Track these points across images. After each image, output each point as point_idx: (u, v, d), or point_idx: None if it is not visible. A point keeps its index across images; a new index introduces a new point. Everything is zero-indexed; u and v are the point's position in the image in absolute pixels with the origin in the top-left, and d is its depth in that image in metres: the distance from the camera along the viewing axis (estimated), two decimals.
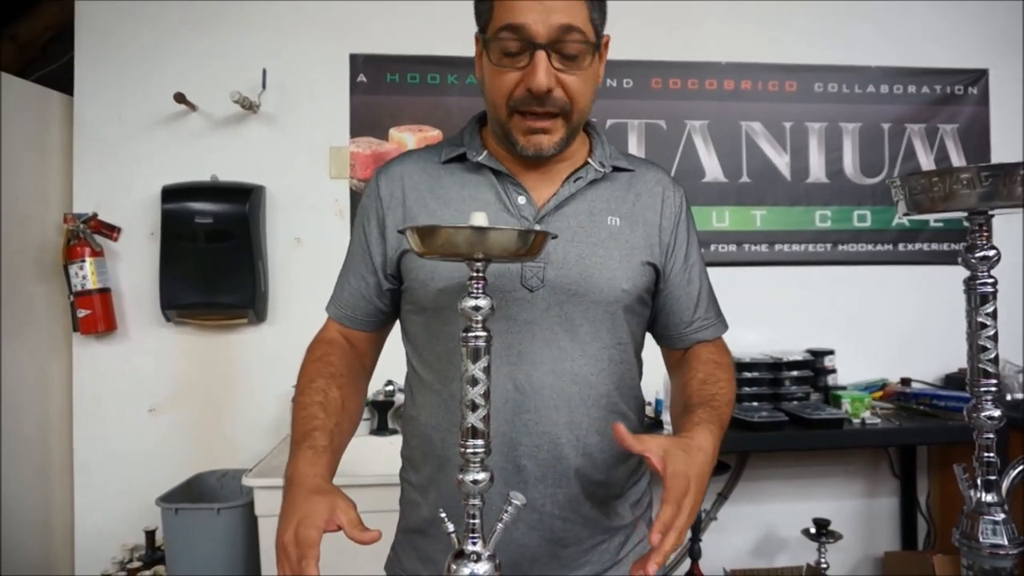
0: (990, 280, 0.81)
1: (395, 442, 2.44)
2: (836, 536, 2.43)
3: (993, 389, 0.81)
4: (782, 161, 2.87)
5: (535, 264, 0.99)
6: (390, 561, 1.14)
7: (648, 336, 1.18)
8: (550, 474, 1.00)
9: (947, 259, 2.91)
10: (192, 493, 2.33)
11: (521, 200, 1.03)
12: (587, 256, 1.02)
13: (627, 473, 1.09)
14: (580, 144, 1.08)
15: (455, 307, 0.88)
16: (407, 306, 1.09)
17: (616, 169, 1.09)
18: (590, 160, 1.07)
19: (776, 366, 2.61)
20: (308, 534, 0.82)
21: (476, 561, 0.75)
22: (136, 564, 2.31)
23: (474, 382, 0.76)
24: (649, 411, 2.57)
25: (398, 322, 1.16)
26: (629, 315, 1.06)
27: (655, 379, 2.50)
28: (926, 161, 2.95)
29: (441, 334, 1.02)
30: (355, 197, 2.64)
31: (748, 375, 2.58)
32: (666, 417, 2.40)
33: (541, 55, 0.93)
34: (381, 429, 2.48)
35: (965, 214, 0.81)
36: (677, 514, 0.79)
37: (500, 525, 0.77)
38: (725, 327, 1.16)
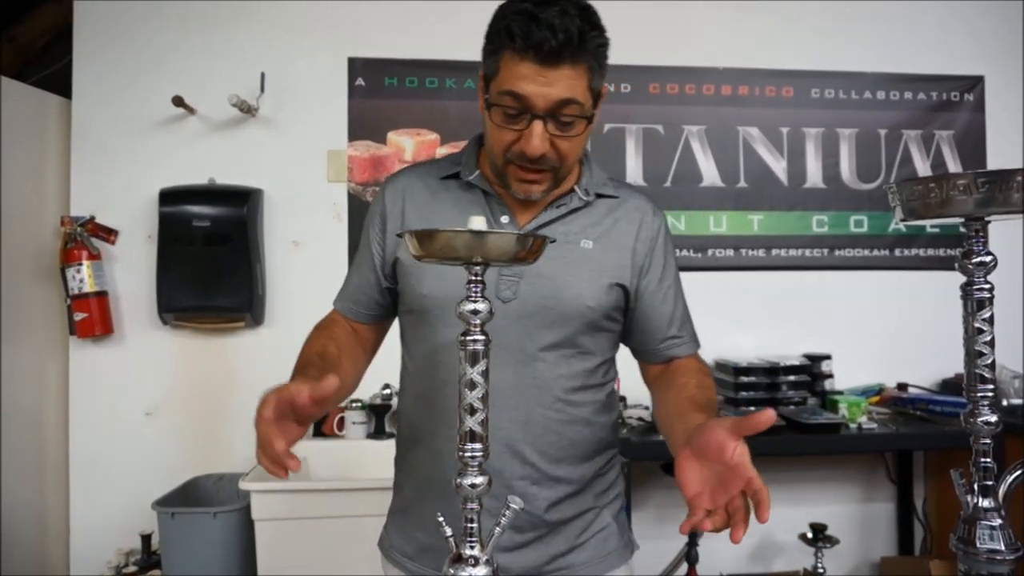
0: (987, 286, 0.82)
1: (392, 446, 2.44)
2: (833, 541, 2.43)
3: (990, 394, 0.81)
4: (779, 166, 2.88)
5: (511, 278, 1.08)
6: (382, 538, 1.24)
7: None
8: (507, 467, 1.09)
9: (943, 264, 2.92)
10: (188, 497, 2.32)
11: (504, 219, 1.13)
12: (559, 275, 1.09)
13: (592, 472, 1.16)
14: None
15: (435, 312, 1.09)
16: (400, 306, 1.19)
17: (600, 196, 1.16)
18: (576, 188, 1.15)
19: (773, 370, 2.61)
20: (266, 397, 0.89)
21: (474, 565, 0.75)
22: (132, 568, 2.31)
23: (472, 386, 0.76)
24: (647, 415, 2.57)
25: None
26: (594, 329, 1.13)
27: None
28: (922, 167, 2.96)
29: (424, 335, 1.13)
30: (353, 200, 2.65)
31: (745, 379, 2.58)
32: None
33: (538, 125, 1.00)
34: (379, 433, 2.47)
35: (962, 220, 0.82)
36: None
37: (498, 529, 0.77)
38: (698, 346, 1.23)
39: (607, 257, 1.13)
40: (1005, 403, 2.63)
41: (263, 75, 2.60)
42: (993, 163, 2.97)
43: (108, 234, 2.52)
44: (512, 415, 1.08)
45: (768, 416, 0.79)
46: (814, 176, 2.89)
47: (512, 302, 1.08)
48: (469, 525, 0.76)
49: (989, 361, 0.81)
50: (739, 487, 0.81)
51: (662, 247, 1.19)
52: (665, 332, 1.19)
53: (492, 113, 1.03)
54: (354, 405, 2.45)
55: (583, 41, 0.98)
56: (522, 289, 1.08)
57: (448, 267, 0.96)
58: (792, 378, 2.62)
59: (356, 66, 2.68)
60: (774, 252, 2.86)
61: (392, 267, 1.15)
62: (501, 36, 1.00)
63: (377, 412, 2.48)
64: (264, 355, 2.59)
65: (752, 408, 2.53)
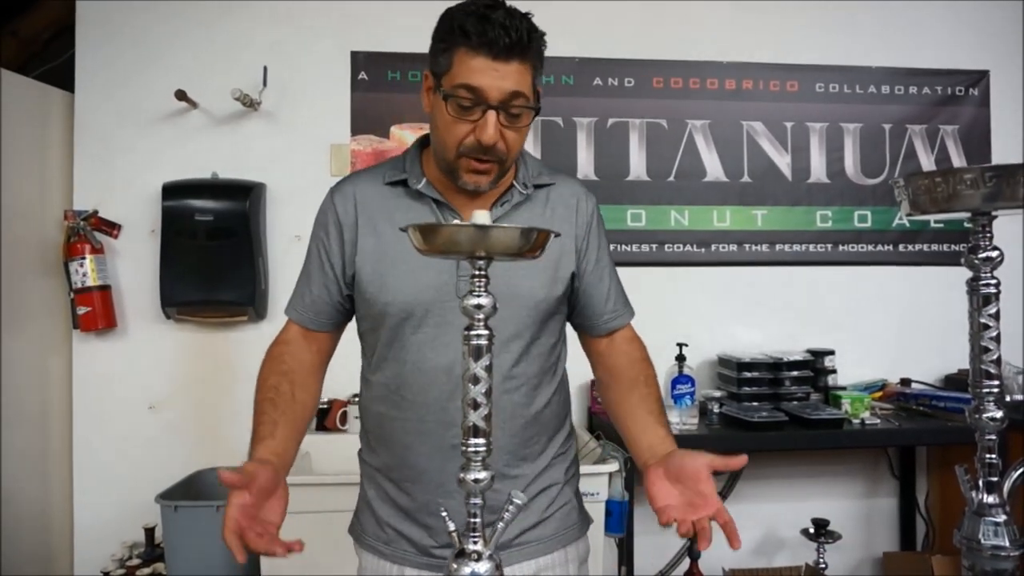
0: (993, 281, 0.81)
1: None
2: (835, 536, 2.43)
3: (996, 390, 0.81)
4: (783, 161, 2.87)
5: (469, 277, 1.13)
6: (353, 525, 1.30)
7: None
8: None
9: (947, 260, 2.91)
10: (192, 490, 2.33)
11: (455, 223, 1.20)
12: (511, 269, 1.13)
13: (553, 452, 1.24)
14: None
15: (398, 317, 1.15)
16: (359, 311, 1.25)
17: (537, 186, 1.23)
18: (515, 183, 1.21)
19: (776, 366, 2.61)
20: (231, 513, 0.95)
21: (477, 560, 0.75)
22: (135, 561, 2.31)
23: (476, 380, 0.76)
24: None
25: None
26: (547, 315, 1.20)
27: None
28: (927, 162, 2.95)
29: (386, 338, 1.19)
30: None
31: (748, 375, 2.58)
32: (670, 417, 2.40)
33: (492, 115, 1.07)
34: None
35: (968, 215, 0.81)
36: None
37: (501, 524, 0.77)
38: (632, 314, 1.32)
39: (553, 247, 1.20)
40: (1008, 399, 2.63)
41: (265, 69, 2.59)
42: (998, 158, 2.96)
43: (111, 228, 2.52)
44: None
45: (741, 460, 1.01)
46: (818, 171, 2.88)
47: None
48: (473, 520, 0.77)
49: (995, 357, 0.81)
50: (707, 513, 0.99)
51: (596, 228, 1.27)
52: (604, 307, 1.27)
53: (448, 105, 1.08)
54: (356, 400, 2.45)
55: (530, 41, 1.07)
56: None
57: (409, 273, 1.11)
58: (795, 373, 2.61)
59: (359, 60, 2.68)
60: (778, 247, 2.86)
61: (352, 276, 1.20)
62: (454, 34, 1.07)
63: None
64: (267, 349, 2.59)
65: (755, 403, 2.53)
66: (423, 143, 1.24)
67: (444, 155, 1.14)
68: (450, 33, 1.08)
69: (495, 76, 1.05)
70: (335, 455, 2.37)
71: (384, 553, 1.21)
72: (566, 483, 1.27)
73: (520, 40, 1.05)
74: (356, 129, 2.67)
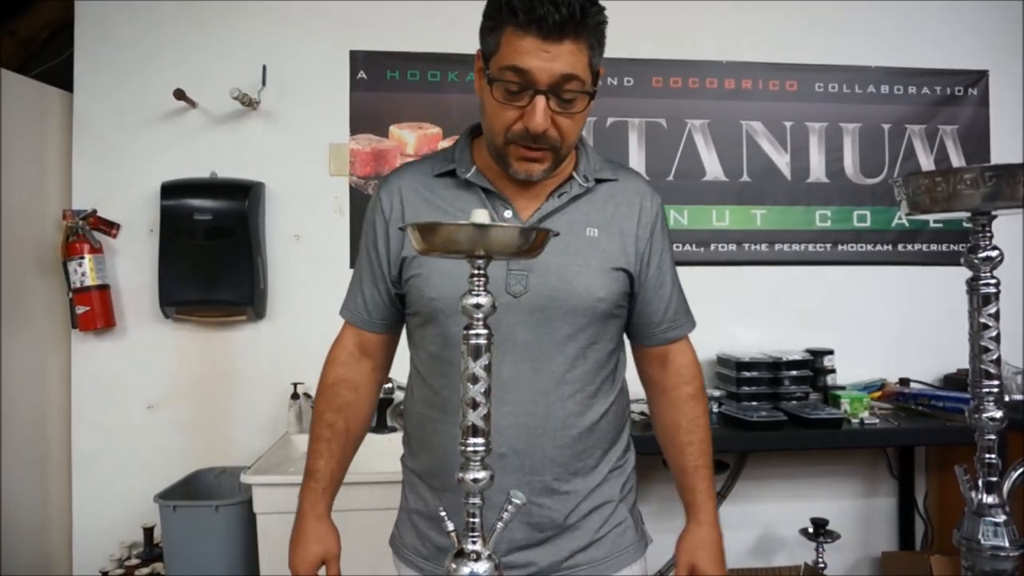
0: (993, 281, 0.81)
1: (394, 439, 2.43)
2: (834, 536, 2.43)
3: (995, 390, 0.81)
4: (782, 161, 2.87)
5: (520, 271, 1.07)
6: (393, 537, 1.24)
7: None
8: (527, 463, 1.09)
9: (946, 260, 2.91)
10: (190, 490, 2.33)
11: (507, 214, 1.11)
12: (566, 265, 1.08)
13: (609, 466, 1.17)
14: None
15: (445, 312, 1.08)
16: (407, 308, 1.18)
17: (599, 180, 1.16)
18: (575, 175, 1.14)
19: (775, 365, 2.61)
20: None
21: (476, 560, 0.75)
22: (134, 561, 2.31)
23: (475, 380, 0.75)
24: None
25: None
26: (605, 317, 1.13)
27: None
28: (926, 162, 2.95)
29: (432, 336, 1.12)
30: (355, 194, 2.64)
31: (747, 374, 2.58)
32: None
33: (541, 100, 0.99)
34: (380, 427, 2.47)
35: (968, 214, 0.81)
36: None
37: (500, 524, 0.77)
38: (692, 325, 1.26)
39: (612, 244, 1.14)
40: (1007, 399, 2.63)
41: (264, 68, 2.59)
42: (997, 158, 2.96)
43: (110, 227, 2.52)
44: (530, 410, 1.08)
45: None
46: (817, 171, 2.88)
47: (523, 296, 1.07)
48: (472, 520, 0.76)
49: (994, 357, 0.81)
50: None
51: (660, 231, 1.20)
52: (662, 316, 1.20)
53: (494, 89, 1.01)
54: None
55: (584, 17, 0.97)
56: (532, 283, 1.07)
57: (456, 267, 1.01)
58: (794, 373, 2.61)
59: (358, 59, 2.68)
60: (777, 247, 2.86)
61: (399, 270, 1.13)
62: (502, 12, 0.98)
63: (380, 406, 2.48)
64: (266, 348, 2.59)
65: (754, 403, 2.53)
66: (474, 131, 1.17)
67: (492, 141, 1.07)
68: (498, 10, 1.00)
69: (545, 58, 0.97)
70: None
71: (424, 569, 1.15)
72: (621, 500, 1.19)
73: (573, 16, 0.96)
74: (355, 128, 2.67)
